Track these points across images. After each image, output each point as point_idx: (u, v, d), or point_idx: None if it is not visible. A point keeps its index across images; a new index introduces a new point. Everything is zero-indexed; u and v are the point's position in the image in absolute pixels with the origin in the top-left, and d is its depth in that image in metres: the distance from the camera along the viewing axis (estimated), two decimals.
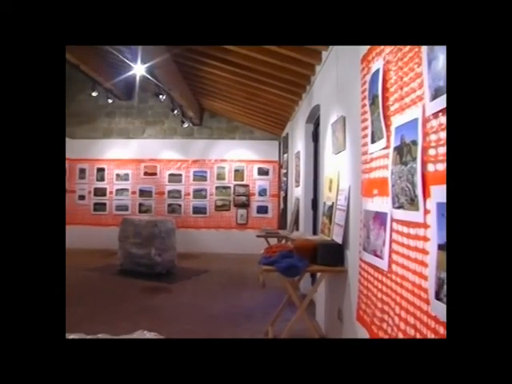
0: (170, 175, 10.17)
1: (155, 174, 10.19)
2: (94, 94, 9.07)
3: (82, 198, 10.35)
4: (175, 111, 9.21)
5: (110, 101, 9.78)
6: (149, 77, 6.77)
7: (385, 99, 2.18)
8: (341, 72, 3.52)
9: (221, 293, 5.84)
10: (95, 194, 10.32)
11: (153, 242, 7.05)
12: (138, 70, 6.32)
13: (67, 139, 10.17)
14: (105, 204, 10.28)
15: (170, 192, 10.17)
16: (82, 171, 10.36)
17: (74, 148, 10.23)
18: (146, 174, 10.21)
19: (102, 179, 10.32)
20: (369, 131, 2.49)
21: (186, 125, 10.00)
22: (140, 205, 10.21)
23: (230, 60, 5.59)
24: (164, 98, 8.22)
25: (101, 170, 10.32)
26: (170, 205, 10.15)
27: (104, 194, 10.29)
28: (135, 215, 9.52)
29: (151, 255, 6.99)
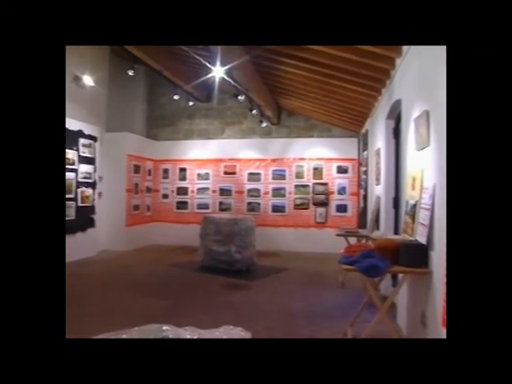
0: (250, 174, 10.31)
1: (235, 173, 10.39)
2: (176, 97, 9.48)
3: (165, 196, 10.80)
4: (253, 111, 9.34)
5: (190, 103, 10.16)
6: (227, 78, 6.92)
7: None
8: (424, 64, 3.37)
9: (300, 291, 5.83)
10: (178, 193, 10.72)
11: (233, 240, 7.20)
12: (217, 72, 6.47)
13: (152, 141, 10.69)
14: (187, 202, 10.65)
15: (249, 191, 10.32)
16: (166, 171, 10.81)
17: (158, 149, 10.73)
18: (225, 173, 10.44)
19: (184, 179, 10.70)
20: None
21: (264, 124, 10.10)
22: (220, 203, 10.46)
23: (307, 57, 5.55)
24: (242, 98, 8.36)
25: (183, 170, 10.70)
26: (249, 203, 10.30)
27: (186, 193, 10.66)
28: (216, 213, 9.76)
29: (231, 252, 7.14)
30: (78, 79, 8.11)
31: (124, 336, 1.79)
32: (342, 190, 9.81)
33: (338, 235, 6.58)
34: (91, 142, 8.38)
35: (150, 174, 10.58)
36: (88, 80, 8.29)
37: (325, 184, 9.88)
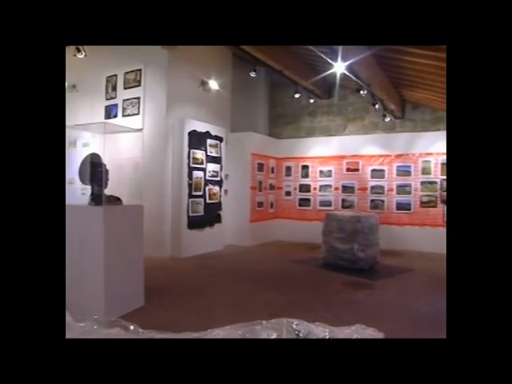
0: (373, 171, 10.04)
1: (357, 169, 10.19)
2: (297, 95, 9.62)
3: (288, 194, 10.98)
4: (376, 106, 9.08)
5: (311, 101, 10.25)
6: (348, 74, 6.82)
7: None
8: None
9: (426, 294, 5.55)
10: (300, 190, 10.83)
11: (356, 238, 7.08)
12: (338, 68, 6.42)
13: (275, 140, 10.95)
14: (309, 199, 10.71)
15: (372, 188, 10.05)
16: (288, 169, 10.98)
17: (281, 147, 10.94)
18: (348, 170, 10.29)
19: (306, 176, 10.77)
20: None
21: (387, 119, 9.78)
22: (343, 200, 10.34)
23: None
24: (364, 93, 8.18)
25: (305, 168, 10.78)
26: (372, 200, 10.04)
27: (308, 190, 10.73)
28: (338, 210, 9.69)
29: (354, 250, 7.03)
30: (204, 84, 8.61)
31: (258, 327, 1.82)
32: None
33: None
34: (217, 142, 8.84)
35: (273, 172, 10.84)
36: (213, 84, 8.78)
37: None
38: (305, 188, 10.78)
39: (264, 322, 1.90)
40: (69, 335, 1.53)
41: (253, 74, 8.43)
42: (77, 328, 1.58)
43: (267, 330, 1.79)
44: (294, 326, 1.86)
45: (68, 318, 1.63)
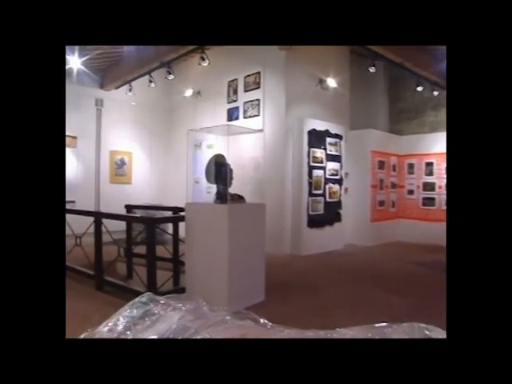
0: None
1: None
2: (419, 88, 9.19)
3: (410, 192, 10.53)
4: None
5: (435, 93, 9.68)
6: None
7: None
8: None
9: None
10: (424, 189, 10.31)
11: None
12: None
13: (396, 136, 10.60)
14: (433, 199, 10.16)
15: None
16: (411, 166, 10.52)
17: (403, 144, 10.53)
18: None
19: (430, 174, 10.23)
20: None
21: None
22: None
23: None
24: None
25: (429, 165, 10.24)
26: None
27: (432, 189, 10.17)
28: None
29: None
30: (322, 82, 8.63)
31: (388, 330, 1.80)
32: None
33: None
34: (337, 140, 8.81)
35: (394, 170, 10.49)
36: (331, 82, 8.76)
37: None
38: (429, 186, 10.24)
39: (394, 325, 1.86)
40: (205, 324, 1.61)
41: (372, 70, 8.23)
42: (212, 317, 1.68)
43: (398, 334, 1.76)
44: (427, 332, 1.80)
45: (204, 307, 1.74)
